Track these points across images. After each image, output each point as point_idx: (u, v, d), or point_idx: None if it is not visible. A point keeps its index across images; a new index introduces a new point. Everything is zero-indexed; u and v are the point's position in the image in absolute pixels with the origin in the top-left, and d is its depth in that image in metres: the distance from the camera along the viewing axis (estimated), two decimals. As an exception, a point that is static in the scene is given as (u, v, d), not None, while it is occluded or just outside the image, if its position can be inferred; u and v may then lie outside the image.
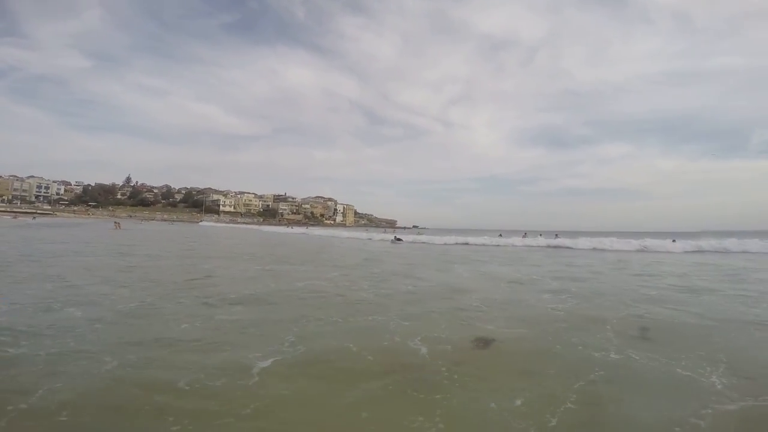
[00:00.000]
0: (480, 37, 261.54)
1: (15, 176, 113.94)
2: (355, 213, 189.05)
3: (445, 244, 24.41)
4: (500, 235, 31.80)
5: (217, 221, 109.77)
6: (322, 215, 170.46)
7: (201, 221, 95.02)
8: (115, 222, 40.48)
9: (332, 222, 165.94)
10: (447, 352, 3.90)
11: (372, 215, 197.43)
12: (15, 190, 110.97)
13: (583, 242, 20.93)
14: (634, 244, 19.14)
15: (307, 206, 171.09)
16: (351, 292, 6.92)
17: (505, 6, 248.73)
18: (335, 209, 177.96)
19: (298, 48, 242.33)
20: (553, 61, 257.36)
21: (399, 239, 26.97)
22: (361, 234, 36.96)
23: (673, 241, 20.23)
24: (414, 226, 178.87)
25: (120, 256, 11.86)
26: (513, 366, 3.60)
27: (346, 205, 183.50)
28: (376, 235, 34.16)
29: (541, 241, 24.01)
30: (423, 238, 28.31)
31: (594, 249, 19.27)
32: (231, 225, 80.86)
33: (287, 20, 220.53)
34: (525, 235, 30.58)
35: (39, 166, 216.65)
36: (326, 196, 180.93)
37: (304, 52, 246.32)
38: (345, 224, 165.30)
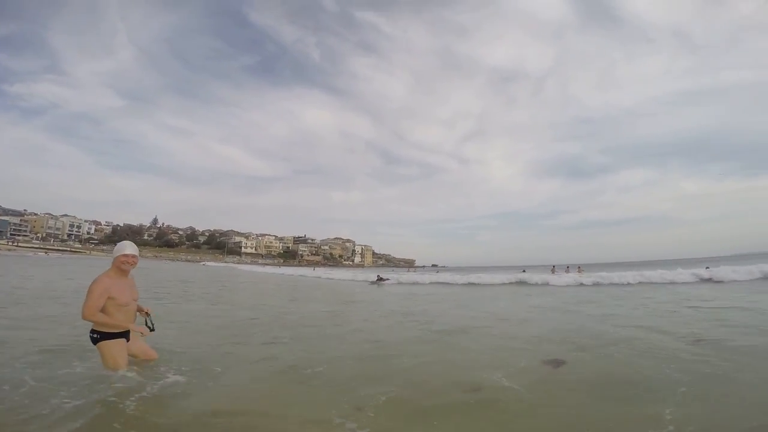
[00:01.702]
0: (489, 71, 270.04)
1: (50, 214, 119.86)
2: (373, 253, 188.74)
3: (470, 283, 22.66)
4: (524, 271, 30.93)
5: (238, 262, 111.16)
6: (340, 256, 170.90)
7: (203, 263, 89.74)
8: None
9: (351, 263, 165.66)
10: (532, 378, 3.71)
11: (390, 255, 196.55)
12: (49, 227, 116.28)
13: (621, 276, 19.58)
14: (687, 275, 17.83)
15: (326, 247, 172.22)
16: (404, 332, 6.49)
17: (508, 36, 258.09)
18: (353, 250, 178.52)
19: (315, 89, 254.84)
20: (562, 89, 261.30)
21: (382, 279, 23.70)
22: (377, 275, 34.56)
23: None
24: (433, 265, 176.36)
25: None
26: (593, 386, 3.48)
27: (364, 246, 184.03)
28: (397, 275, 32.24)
29: (572, 277, 22.79)
30: (444, 276, 25.01)
31: (640, 283, 18.06)
32: (230, 265, 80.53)
33: (303, 62, 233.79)
34: (554, 269, 29.63)
35: (72, 204, 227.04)
36: (344, 237, 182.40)
37: (321, 93, 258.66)
38: (363, 265, 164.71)
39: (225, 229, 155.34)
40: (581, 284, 17.87)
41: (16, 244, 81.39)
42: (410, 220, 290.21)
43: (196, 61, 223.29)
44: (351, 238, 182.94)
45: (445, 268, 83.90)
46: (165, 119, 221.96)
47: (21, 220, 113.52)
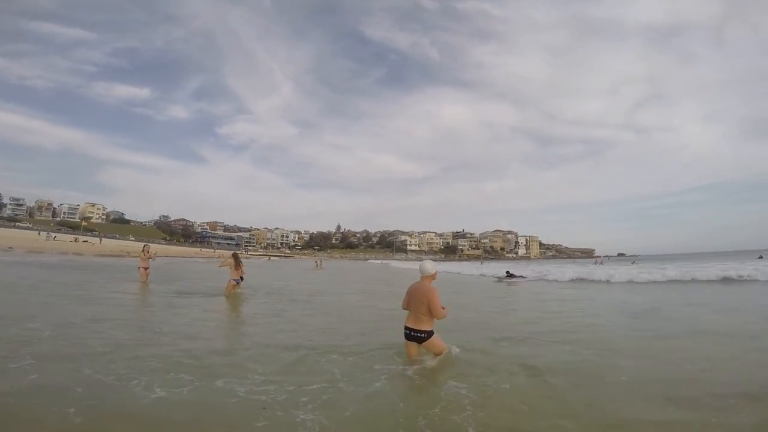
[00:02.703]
0: (642, 30, 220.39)
1: (267, 228, 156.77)
2: (540, 244, 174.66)
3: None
4: (760, 257, 23.53)
5: (405, 259, 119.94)
6: (502, 249, 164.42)
7: (367, 259, 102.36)
8: (316, 261, 46.22)
9: (514, 255, 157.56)
10: None
11: (561, 245, 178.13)
12: (268, 239, 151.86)
13: None
14: None
15: (486, 241, 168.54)
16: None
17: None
18: (516, 242, 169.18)
19: (444, 87, 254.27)
20: (754, 33, 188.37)
21: (512, 275, 20.31)
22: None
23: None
24: (619, 254, 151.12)
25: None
26: None
27: (529, 236, 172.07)
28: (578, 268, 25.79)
29: None
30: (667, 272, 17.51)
31: None
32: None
33: (425, 63, 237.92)
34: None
35: (279, 218, 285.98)
36: (504, 229, 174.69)
37: (450, 90, 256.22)
38: (529, 257, 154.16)
39: (392, 229, 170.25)
40: None
41: (247, 253, 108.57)
42: (581, 204, 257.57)
43: (337, 83, 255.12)
44: (512, 230, 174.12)
45: (639, 257, 70.44)
46: (328, 139, 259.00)
47: (249, 234, 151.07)
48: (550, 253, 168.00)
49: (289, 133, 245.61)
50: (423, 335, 4.23)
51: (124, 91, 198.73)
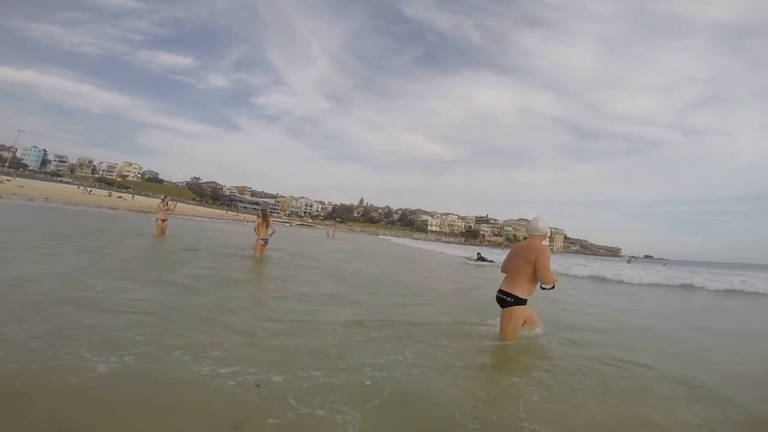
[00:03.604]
0: (711, 29, 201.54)
1: (292, 196, 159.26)
2: (565, 238, 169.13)
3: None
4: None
5: (425, 239, 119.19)
6: (525, 238, 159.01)
7: (378, 235, 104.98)
8: (328, 231, 46.46)
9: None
10: None
11: (586, 241, 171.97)
12: (292, 207, 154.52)
13: None
14: None
15: (509, 228, 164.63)
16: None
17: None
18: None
19: (483, 70, 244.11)
20: None
21: (483, 258, 19.25)
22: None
23: None
24: (646, 256, 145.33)
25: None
26: None
27: (554, 228, 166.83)
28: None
29: None
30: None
31: None
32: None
33: (464, 46, 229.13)
34: None
35: (305, 188, 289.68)
36: (529, 218, 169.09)
37: (491, 74, 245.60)
38: (552, 249, 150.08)
39: (414, 208, 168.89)
40: None
41: (270, 218, 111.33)
42: (614, 201, 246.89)
43: (373, 59, 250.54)
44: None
45: (669, 261, 66.92)
46: (360, 115, 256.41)
47: (275, 201, 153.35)
48: (574, 248, 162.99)
49: (322, 106, 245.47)
50: (509, 299, 3.59)
51: (168, 59, 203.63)
